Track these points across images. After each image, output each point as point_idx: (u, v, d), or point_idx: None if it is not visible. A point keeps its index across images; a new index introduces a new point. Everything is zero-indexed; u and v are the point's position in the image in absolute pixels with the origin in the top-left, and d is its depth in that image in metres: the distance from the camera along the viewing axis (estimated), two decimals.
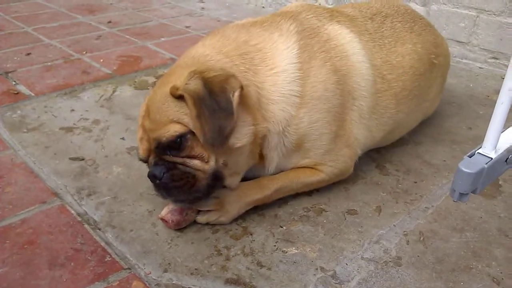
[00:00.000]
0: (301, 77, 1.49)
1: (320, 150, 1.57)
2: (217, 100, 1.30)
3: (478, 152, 1.05)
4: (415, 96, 1.80)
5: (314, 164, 1.60)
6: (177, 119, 1.33)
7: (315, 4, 1.84)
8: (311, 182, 1.61)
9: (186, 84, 1.31)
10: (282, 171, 1.60)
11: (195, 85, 1.30)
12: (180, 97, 1.32)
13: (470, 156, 1.04)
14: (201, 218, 1.47)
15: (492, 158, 1.03)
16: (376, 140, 1.75)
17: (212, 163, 1.37)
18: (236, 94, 1.32)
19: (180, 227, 1.45)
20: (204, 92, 1.29)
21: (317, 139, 1.55)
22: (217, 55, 1.46)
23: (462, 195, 1.02)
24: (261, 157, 1.53)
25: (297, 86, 1.48)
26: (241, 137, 1.38)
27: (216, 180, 1.41)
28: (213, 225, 1.47)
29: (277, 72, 1.48)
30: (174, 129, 1.33)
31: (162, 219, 1.44)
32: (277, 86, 1.47)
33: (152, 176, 1.37)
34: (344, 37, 1.64)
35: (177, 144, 1.34)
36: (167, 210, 1.44)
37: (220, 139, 1.32)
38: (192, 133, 1.33)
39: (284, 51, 1.51)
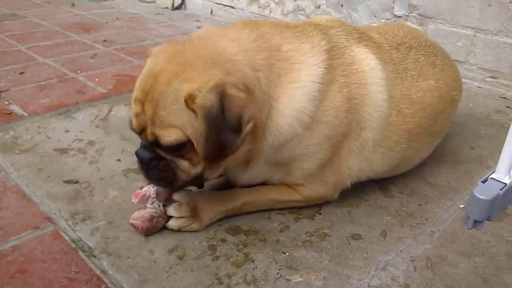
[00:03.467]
0: (318, 98, 1.44)
1: (306, 172, 1.54)
2: (229, 122, 1.24)
3: (491, 178, 1.01)
4: (430, 134, 1.75)
5: (294, 183, 1.57)
6: (181, 127, 1.27)
7: (343, 21, 1.78)
8: (283, 200, 1.60)
9: (203, 99, 1.22)
10: (261, 180, 1.59)
11: (212, 101, 1.22)
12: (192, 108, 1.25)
13: (484, 182, 1.00)
14: (174, 224, 1.48)
15: (506, 184, 0.99)
16: (378, 173, 1.69)
17: (199, 168, 1.39)
18: (250, 125, 1.29)
19: (149, 233, 1.48)
20: (219, 110, 1.22)
21: (308, 161, 1.52)
22: (245, 66, 1.35)
23: (476, 222, 0.98)
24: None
25: (312, 106, 1.43)
26: (237, 156, 1.39)
27: (196, 178, 1.43)
28: (213, 252, 1.42)
29: (298, 87, 1.42)
30: (176, 137, 1.28)
31: (132, 225, 1.47)
32: (293, 100, 1.41)
33: (138, 157, 1.39)
34: (368, 63, 1.57)
35: (173, 148, 1.32)
36: (138, 216, 1.46)
37: (218, 159, 1.32)
38: (191, 142, 1.30)
39: (311, 67, 1.45)
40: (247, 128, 1.28)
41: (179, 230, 1.49)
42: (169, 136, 1.28)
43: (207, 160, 1.30)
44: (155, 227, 1.47)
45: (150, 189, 1.49)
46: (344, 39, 1.59)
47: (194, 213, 1.49)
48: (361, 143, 1.57)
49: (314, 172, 1.54)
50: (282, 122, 1.41)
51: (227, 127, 1.24)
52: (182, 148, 1.32)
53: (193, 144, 1.30)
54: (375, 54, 1.61)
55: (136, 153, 1.39)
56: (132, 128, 1.40)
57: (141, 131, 1.37)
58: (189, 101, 1.24)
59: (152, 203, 1.48)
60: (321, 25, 1.63)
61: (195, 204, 1.50)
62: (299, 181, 1.56)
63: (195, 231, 1.50)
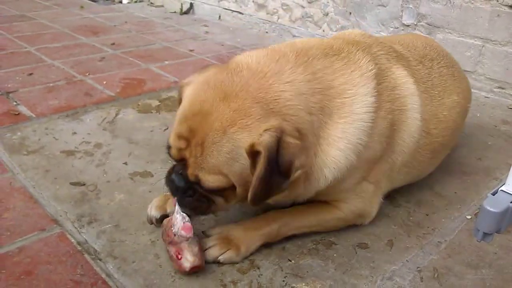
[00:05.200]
0: (371, 127, 1.40)
1: (340, 189, 1.48)
2: (279, 166, 1.21)
3: (501, 190, 1.00)
4: (447, 148, 1.75)
5: (331, 199, 1.52)
6: (229, 174, 1.25)
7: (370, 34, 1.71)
8: (326, 219, 1.52)
9: (268, 141, 1.20)
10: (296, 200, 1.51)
11: (273, 143, 1.20)
12: (253, 153, 1.22)
13: (494, 194, 0.99)
14: (209, 254, 1.38)
15: None
16: (394, 188, 1.70)
17: (233, 202, 1.37)
18: (298, 172, 1.26)
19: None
20: (274, 154, 1.20)
21: (345, 181, 1.46)
22: (301, 111, 1.30)
23: (486, 235, 0.97)
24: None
25: (366, 136, 1.39)
26: (277, 198, 1.34)
27: None
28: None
29: (352, 121, 1.37)
30: (219, 184, 1.27)
31: (195, 267, 1.32)
32: (347, 134, 1.37)
33: (172, 184, 1.33)
34: (408, 88, 1.53)
35: (212, 191, 1.30)
36: (193, 253, 1.33)
37: (263, 200, 1.28)
38: (233, 186, 1.28)
39: (362, 98, 1.40)
40: (296, 174, 1.26)
41: (219, 263, 1.39)
42: (213, 182, 1.27)
43: (254, 202, 1.26)
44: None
45: (182, 215, 1.37)
46: (385, 60, 1.55)
47: (227, 242, 1.41)
48: (390, 165, 1.55)
49: (349, 188, 1.50)
50: (336, 155, 1.36)
51: (277, 171, 1.21)
52: (221, 191, 1.30)
53: (232, 187, 1.28)
54: (412, 77, 1.57)
55: (171, 180, 1.34)
56: (169, 154, 1.34)
57: (179, 160, 1.33)
58: (252, 149, 1.21)
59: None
60: (361, 43, 1.56)
61: (227, 233, 1.44)
62: (336, 198, 1.51)
63: (235, 263, 1.40)
